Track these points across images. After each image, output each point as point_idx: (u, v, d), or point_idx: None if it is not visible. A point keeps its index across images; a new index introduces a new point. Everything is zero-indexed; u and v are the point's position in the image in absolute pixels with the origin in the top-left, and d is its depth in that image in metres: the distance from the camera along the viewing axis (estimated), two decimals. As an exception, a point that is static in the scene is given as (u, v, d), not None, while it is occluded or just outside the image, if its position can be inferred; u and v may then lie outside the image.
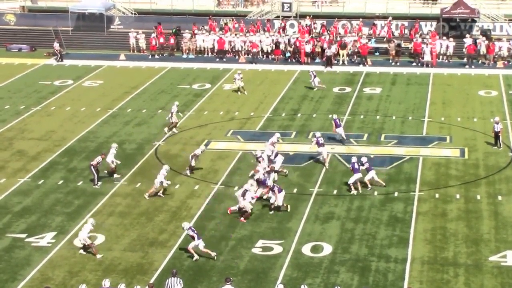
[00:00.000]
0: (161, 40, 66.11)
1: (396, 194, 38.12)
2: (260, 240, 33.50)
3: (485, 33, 65.29)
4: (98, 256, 32.06)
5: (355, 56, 64.12)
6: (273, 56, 64.81)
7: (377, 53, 65.57)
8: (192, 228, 32.10)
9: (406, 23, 67.35)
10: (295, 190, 38.44)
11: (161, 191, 37.83)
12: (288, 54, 64.74)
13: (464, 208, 36.44)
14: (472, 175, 40.35)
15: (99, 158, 39.54)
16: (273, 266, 31.38)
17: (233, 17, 69.48)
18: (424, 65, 61.94)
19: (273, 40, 64.91)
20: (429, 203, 37.07)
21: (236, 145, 45.17)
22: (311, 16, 68.45)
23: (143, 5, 73.02)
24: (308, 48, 63.62)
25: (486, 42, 63.01)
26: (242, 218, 35.21)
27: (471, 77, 59.46)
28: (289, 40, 64.87)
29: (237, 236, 33.93)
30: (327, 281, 30.22)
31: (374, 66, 62.33)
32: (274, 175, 38.54)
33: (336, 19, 67.91)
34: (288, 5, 69.92)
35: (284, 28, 67.57)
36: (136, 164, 42.16)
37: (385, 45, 64.82)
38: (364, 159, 38.59)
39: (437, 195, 37.91)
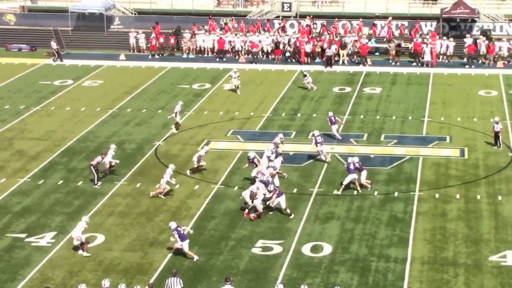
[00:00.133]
0: (161, 40, 66.10)
1: (396, 194, 38.13)
2: (260, 240, 33.50)
3: (485, 33, 65.28)
4: (85, 254, 32.06)
5: (355, 56, 64.13)
6: (273, 56, 64.82)
7: (377, 53, 65.57)
8: (178, 229, 32.03)
9: (406, 23, 67.33)
10: (295, 190, 38.44)
11: (164, 192, 37.69)
12: (287, 54, 64.74)
13: (464, 208, 36.44)
14: (472, 175, 40.35)
15: (99, 158, 39.55)
16: (273, 266, 31.38)
17: (233, 17, 69.46)
18: (424, 65, 61.94)
19: (273, 40, 64.92)
20: (429, 203, 37.07)
21: (236, 145, 45.17)
22: (311, 16, 68.45)
23: (143, 5, 73.02)
24: (308, 48, 63.61)
25: (486, 42, 63.01)
26: (252, 215, 35.16)
27: (471, 77, 59.47)
28: (289, 40, 64.86)
29: (237, 236, 33.93)
30: (327, 281, 30.22)
31: (374, 66, 62.33)
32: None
33: (336, 19, 67.91)
34: (288, 5, 69.92)
35: (283, 28, 67.57)
36: (136, 164, 42.16)
37: (385, 45, 64.82)
38: (355, 159, 38.54)
39: (437, 195, 37.91)
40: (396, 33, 66.85)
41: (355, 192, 37.97)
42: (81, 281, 29.45)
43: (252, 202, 35.60)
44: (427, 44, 62.60)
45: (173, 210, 36.55)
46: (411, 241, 33.30)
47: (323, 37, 64.39)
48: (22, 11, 74.21)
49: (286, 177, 39.78)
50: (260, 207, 35.24)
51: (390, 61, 63.31)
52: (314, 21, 68.29)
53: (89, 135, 47.04)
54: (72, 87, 57.78)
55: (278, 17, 69.61)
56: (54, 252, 32.63)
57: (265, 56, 65.27)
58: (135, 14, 72.00)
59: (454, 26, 67.05)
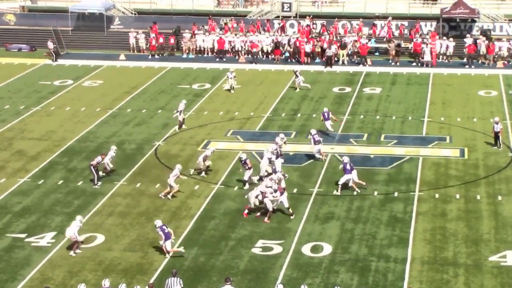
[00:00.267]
0: (161, 40, 66.09)
1: (396, 194, 38.13)
2: (260, 240, 33.50)
3: (485, 33, 65.28)
4: (72, 253, 32.04)
5: (355, 56, 64.13)
6: (273, 56, 64.82)
7: (377, 53, 65.57)
8: (163, 227, 32.04)
9: (406, 23, 67.34)
10: (295, 190, 38.43)
11: (173, 191, 37.64)
12: (287, 54, 64.73)
13: (464, 208, 36.44)
14: (472, 175, 40.35)
15: (99, 158, 39.56)
16: (273, 266, 31.38)
17: (233, 17, 69.46)
18: (424, 65, 61.94)
19: (273, 40, 64.92)
20: (429, 203, 37.07)
21: (236, 145, 45.17)
22: (311, 16, 68.45)
23: (143, 5, 73.03)
24: (308, 48, 63.61)
25: (486, 42, 63.01)
26: (266, 219, 35.13)
27: (471, 77, 59.47)
28: (289, 40, 64.86)
29: (237, 236, 33.94)
30: (327, 281, 30.22)
31: (374, 66, 62.33)
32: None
33: (336, 19, 67.91)
34: (288, 5, 69.93)
35: (283, 28, 67.58)
36: (136, 164, 42.16)
37: (385, 45, 64.82)
38: (346, 159, 38.59)
39: (437, 195, 37.92)
40: (396, 33, 66.86)
41: (355, 193, 37.98)
42: (81, 281, 29.42)
43: (262, 203, 35.48)
44: (427, 44, 62.60)
45: (173, 210, 36.55)
46: (411, 241, 33.31)
47: (323, 37, 64.39)
48: (22, 11, 74.22)
49: (287, 177, 39.81)
50: (270, 206, 35.18)
51: (390, 61, 63.31)
52: (314, 21, 68.30)
53: (89, 135, 47.05)
54: (72, 87, 57.78)
55: (278, 17, 69.62)
56: (54, 252, 32.63)
57: (265, 56, 65.27)
58: (135, 14, 72.00)
59: (454, 26, 67.06)
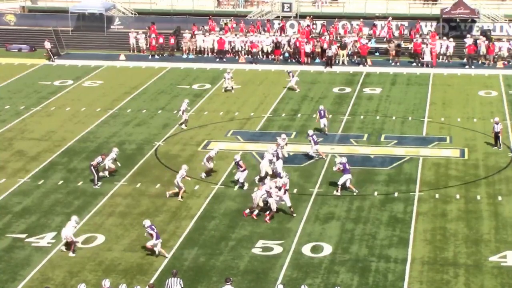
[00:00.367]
0: (161, 40, 66.09)
1: (396, 194, 38.13)
2: (260, 241, 33.50)
3: (485, 33, 65.30)
4: (71, 254, 32.08)
5: (355, 57, 64.13)
6: (273, 56, 64.82)
7: (377, 53, 65.57)
8: (152, 227, 32.05)
9: (406, 23, 67.35)
10: (295, 190, 38.41)
11: (182, 192, 37.64)
12: (286, 55, 64.71)
13: (464, 209, 36.44)
14: (472, 176, 40.35)
15: (99, 159, 39.56)
16: (273, 267, 31.38)
17: (233, 17, 69.45)
18: (424, 65, 61.95)
19: (273, 40, 64.92)
20: (429, 203, 37.07)
21: (236, 145, 45.17)
22: (311, 16, 68.45)
23: (143, 5, 73.06)
24: (308, 48, 63.61)
25: (486, 42, 63.02)
26: (267, 218, 35.12)
27: (471, 77, 59.48)
28: (289, 41, 64.86)
29: (237, 236, 33.94)
30: (327, 282, 30.22)
31: (374, 66, 62.33)
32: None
33: (336, 19, 67.92)
34: (288, 5, 69.94)
35: (283, 28, 67.58)
36: (136, 165, 42.16)
37: (385, 45, 64.83)
38: (337, 160, 38.67)
39: (437, 196, 37.91)
40: (396, 33, 66.86)
41: (355, 193, 37.98)
42: (81, 281, 29.39)
43: (267, 204, 35.46)
44: (427, 45, 62.61)
45: (173, 211, 36.55)
46: (411, 241, 33.30)
47: (323, 38, 64.39)
48: (22, 11, 74.25)
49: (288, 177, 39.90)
50: (274, 207, 35.19)
51: (390, 61, 63.32)
52: (314, 22, 68.31)
53: (89, 135, 47.05)
54: (72, 87, 57.79)
55: (278, 17, 69.62)
56: (54, 253, 32.63)
57: (265, 56, 65.27)
58: (135, 14, 72.02)
59: (454, 26, 67.08)
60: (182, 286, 28.35)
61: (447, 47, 63.52)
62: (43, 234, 34.30)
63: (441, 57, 63.58)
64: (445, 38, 65.00)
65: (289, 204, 35.60)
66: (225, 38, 65.61)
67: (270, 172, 39.06)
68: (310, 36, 65.44)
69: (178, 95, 55.13)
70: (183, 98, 51.60)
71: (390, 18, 67.25)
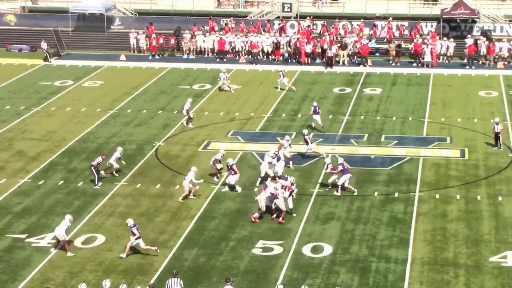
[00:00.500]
0: (161, 40, 66.09)
1: (396, 194, 38.12)
2: (260, 241, 33.49)
3: (486, 33, 65.30)
4: (69, 254, 32.12)
5: (355, 57, 64.13)
6: (273, 57, 64.82)
7: (377, 54, 65.57)
8: (136, 226, 32.11)
9: (406, 23, 67.36)
10: (295, 191, 38.37)
11: (192, 192, 37.62)
12: (286, 55, 64.71)
13: (465, 209, 36.43)
14: (472, 176, 40.34)
15: (99, 159, 39.55)
16: (273, 267, 31.37)
17: (233, 18, 69.45)
18: (425, 66, 61.95)
19: (273, 41, 64.91)
20: (429, 203, 37.06)
21: (236, 145, 45.17)
22: (311, 16, 68.45)
23: (143, 6, 73.09)
24: (308, 48, 63.60)
25: (487, 42, 63.02)
26: (280, 219, 35.08)
27: (471, 77, 59.48)
28: (289, 41, 64.85)
29: (237, 237, 33.93)
30: (327, 282, 30.21)
31: (375, 67, 62.33)
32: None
33: (336, 19, 67.93)
34: (289, 5, 69.96)
35: (283, 29, 67.57)
36: (137, 165, 42.15)
37: (386, 46, 64.83)
38: (327, 161, 38.72)
39: (437, 196, 37.91)
40: (397, 33, 66.86)
41: (355, 193, 37.98)
42: (81, 281, 29.36)
43: (275, 204, 35.44)
44: (427, 45, 62.61)
45: (173, 211, 36.55)
46: (412, 241, 33.29)
47: (323, 38, 64.39)
48: (23, 11, 74.29)
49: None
50: (283, 206, 35.15)
51: (391, 61, 63.33)
52: (315, 22, 68.31)
53: (89, 135, 47.05)
54: (73, 87, 57.80)
55: (278, 17, 69.62)
56: (54, 253, 32.62)
57: (265, 56, 65.27)
58: (135, 14, 72.04)
59: (455, 26, 67.09)
60: (182, 286, 28.35)
61: (448, 48, 63.53)
62: (43, 234, 34.29)
63: (441, 57, 63.58)
64: (445, 38, 65.00)
65: (290, 206, 35.60)
66: (226, 38, 65.62)
67: (271, 174, 39.02)
68: (310, 37, 65.45)
69: (179, 95, 55.14)
70: (184, 99, 51.61)
71: (390, 19, 67.27)
